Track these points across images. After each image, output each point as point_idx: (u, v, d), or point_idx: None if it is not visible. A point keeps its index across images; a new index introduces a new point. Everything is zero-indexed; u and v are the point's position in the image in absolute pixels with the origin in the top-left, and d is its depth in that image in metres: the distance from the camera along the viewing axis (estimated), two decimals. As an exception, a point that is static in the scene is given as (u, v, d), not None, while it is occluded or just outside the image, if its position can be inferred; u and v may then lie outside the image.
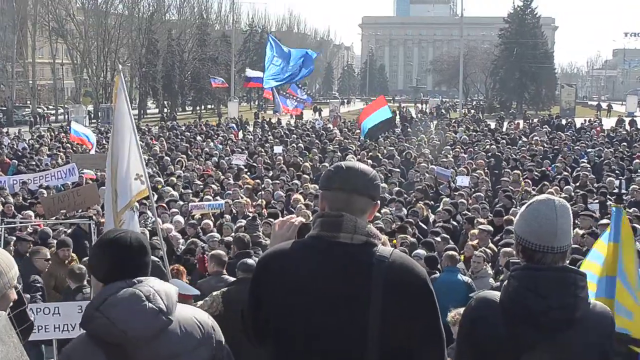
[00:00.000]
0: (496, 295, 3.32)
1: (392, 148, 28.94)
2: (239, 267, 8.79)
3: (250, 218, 15.08)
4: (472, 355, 3.32)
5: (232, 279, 8.76)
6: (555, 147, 29.94)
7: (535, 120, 51.91)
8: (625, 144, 31.56)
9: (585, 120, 47.86)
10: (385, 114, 26.78)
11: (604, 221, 12.31)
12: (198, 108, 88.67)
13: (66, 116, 69.78)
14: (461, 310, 4.54)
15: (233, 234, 12.97)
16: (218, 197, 18.52)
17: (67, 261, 11.20)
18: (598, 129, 41.03)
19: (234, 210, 16.88)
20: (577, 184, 20.03)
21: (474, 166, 23.90)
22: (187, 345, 3.30)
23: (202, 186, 20.61)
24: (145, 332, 3.16)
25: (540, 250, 3.24)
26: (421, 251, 11.08)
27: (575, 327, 3.11)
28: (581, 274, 3.22)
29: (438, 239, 12.51)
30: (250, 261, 8.85)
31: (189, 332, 3.33)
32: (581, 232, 11.92)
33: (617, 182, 19.14)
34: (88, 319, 3.21)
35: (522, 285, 3.20)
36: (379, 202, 3.43)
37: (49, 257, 10.73)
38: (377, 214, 14.08)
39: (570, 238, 3.28)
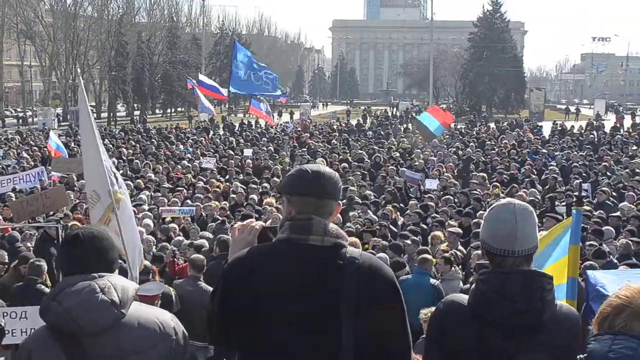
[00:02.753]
0: (464, 298, 3.35)
1: (361, 151, 29.02)
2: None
3: (219, 222, 15.08)
4: (440, 357, 3.35)
5: (207, 286, 8.85)
6: (526, 149, 30.20)
7: (505, 123, 52.30)
8: (590, 147, 31.92)
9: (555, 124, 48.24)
10: (438, 130, 27.16)
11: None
12: (168, 111, 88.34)
13: (34, 119, 69.16)
14: (433, 309, 4.60)
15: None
16: (188, 201, 18.47)
17: None
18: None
19: (203, 214, 16.86)
20: (546, 187, 20.25)
21: (444, 169, 24.06)
22: (145, 343, 3.31)
23: (171, 189, 20.56)
24: (96, 323, 3.19)
25: (500, 254, 3.27)
26: (384, 255, 11.06)
27: (543, 330, 3.14)
28: (548, 277, 3.25)
29: (408, 241, 12.55)
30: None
31: (148, 330, 3.34)
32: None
33: (585, 186, 19.44)
34: (45, 308, 3.25)
35: (489, 289, 3.22)
36: (340, 202, 3.46)
37: (6, 260, 10.65)
38: (340, 216, 14.20)
39: (534, 241, 3.29)
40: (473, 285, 3.36)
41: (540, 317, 3.14)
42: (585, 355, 2.91)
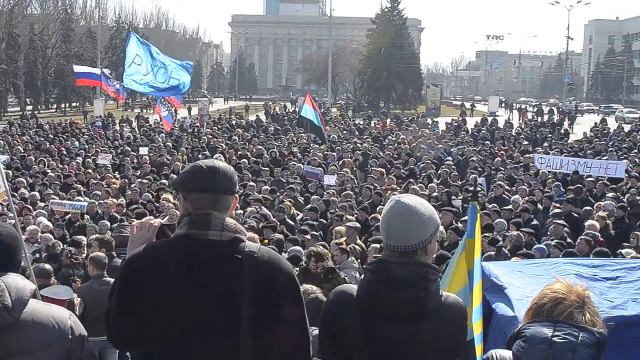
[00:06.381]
0: (354, 288, 3.40)
1: (260, 147, 28.99)
2: None
3: (118, 221, 14.81)
4: (330, 346, 3.41)
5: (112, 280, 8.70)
6: (422, 146, 30.71)
7: (405, 119, 53.06)
8: (488, 142, 32.78)
9: (451, 120, 49.30)
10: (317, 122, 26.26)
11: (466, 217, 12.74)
12: (62, 106, 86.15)
13: None
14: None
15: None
16: (80, 198, 18.02)
17: None
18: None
19: (99, 211, 16.50)
20: (440, 180, 20.74)
21: (343, 164, 24.26)
22: (38, 343, 3.23)
23: (63, 186, 20.11)
24: None
25: (387, 249, 3.37)
26: (298, 247, 11.31)
27: (427, 319, 3.20)
28: (432, 267, 3.32)
29: (308, 236, 12.59)
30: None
31: (43, 330, 3.26)
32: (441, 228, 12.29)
33: (480, 180, 19.97)
34: None
35: (375, 279, 3.29)
36: (237, 196, 3.47)
37: None
38: (238, 211, 14.22)
39: (418, 238, 3.30)
40: (362, 276, 3.44)
41: (423, 306, 3.20)
42: (523, 339, 2.94)
